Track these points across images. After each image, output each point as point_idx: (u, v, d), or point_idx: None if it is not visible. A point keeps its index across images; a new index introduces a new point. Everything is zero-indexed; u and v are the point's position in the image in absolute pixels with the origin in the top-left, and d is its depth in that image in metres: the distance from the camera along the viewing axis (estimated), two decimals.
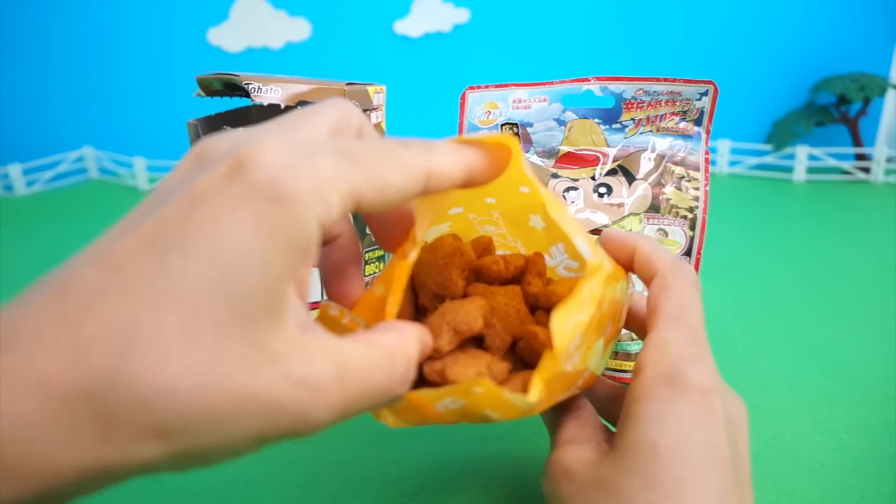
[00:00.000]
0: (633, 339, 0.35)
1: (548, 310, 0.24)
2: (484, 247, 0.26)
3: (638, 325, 0.26)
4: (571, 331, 0.19)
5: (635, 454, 0.20)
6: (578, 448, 0.22)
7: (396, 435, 0.34)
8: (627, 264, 0.25)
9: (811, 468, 0.31)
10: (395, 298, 0.20)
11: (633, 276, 0.30)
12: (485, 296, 0.23)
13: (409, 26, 0.90)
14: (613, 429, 0.24)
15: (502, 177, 0.23)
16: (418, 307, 0.25)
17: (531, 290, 0.24)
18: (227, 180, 0.14)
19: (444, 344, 0.21)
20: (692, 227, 0.37)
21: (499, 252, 0.27)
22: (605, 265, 0.21)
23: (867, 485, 0.30)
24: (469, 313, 0.22)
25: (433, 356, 0.22)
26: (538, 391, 0.19)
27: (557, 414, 0.25)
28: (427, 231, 0.23)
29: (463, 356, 0.22)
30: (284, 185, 0.14)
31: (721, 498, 0.19)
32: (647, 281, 0.24)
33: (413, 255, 0.21)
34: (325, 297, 0.23)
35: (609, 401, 0.26)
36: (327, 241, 0.21)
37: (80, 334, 0.13)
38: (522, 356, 0.23)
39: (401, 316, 0.24)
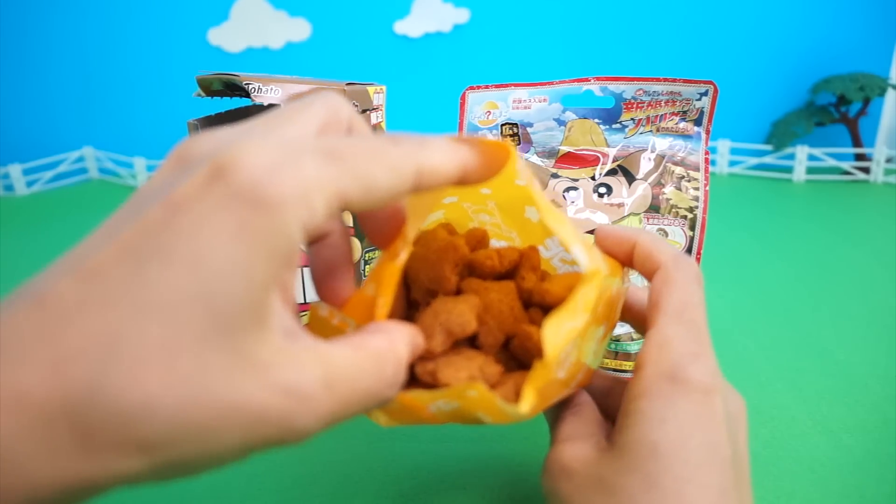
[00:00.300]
0: (633, 339, 0.35)
1: (542, 306, 0.24)
2: (478, 239, 0.26)
3: (636, 318, 0.26)
4: (564, 339, 0.19)
5: (636, 453, 0.20)
6: (577, 445, 0.22)
7: (396, 435, 0.34)
8: (626, 260, 0.25)
9: (811, 468, 0.31)
10: (386, 300, 0.20)
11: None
12: (478, 292, 0.23)
13: (409, 26, 0.90)
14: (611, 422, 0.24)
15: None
16: (410, 301, 0.25)
17: (525, 285, 0.24)
18: (207, 186, 0.14)
19: (436, 346, 0.21)
20: (692, 227, 0.37)
21: (493, 243, 0.27)
22: (602, 270, 0.21)
23: (867, 485, 0.30)
24: (463, 314, 0.22)
25: (425, 356, 0.21)
26: (529, 401, 0.19)
27: (557, 409, 0.25)
28: (420, 227, 0.23)
29: (456, 357, 0.22)
30: (266, 191, 0.14)
31: (721, 497, 0.19)
32: (649, 275, 0.24)
33: (403, 255, 0.21)
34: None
35: (605, 395, 0.26)
36: (317, 240, 0.21)
37: (59, 348, 0.12)
38: (515, 354, 0.23)
39: (392, 310, 0.24)
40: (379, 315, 0.20)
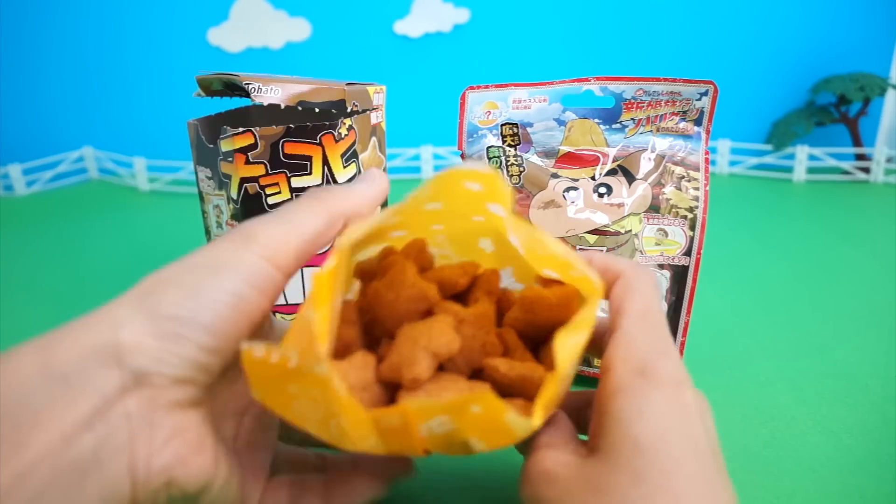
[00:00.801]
0: None
1: (517, 328, 0.24)
2: (419, 249, 0.25)
3: (592, 342, 0.26)
4: (571, 353, 0.19)
5: (619, 451, 0.20)
6: (558, 451, 0.22)
7: None
8: None
9: (811, 468, 0.31)
10: (322, 314, 0.18)
11: None
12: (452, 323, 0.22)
13: (409, 26, 0.90)
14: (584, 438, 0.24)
15: (454, 208, 0.23)
16: (372, 335, 0.24)
17: (478, 308, 0.24)
18: None
19: (423, 371, 0.20)
20: (692, 227, 0.37)
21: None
22: (601, 289, 0.21)
23: (867, 485, 0.30)
24: (445, 333, 0.21)
25: (409, 387, 0.20)
26: (540, 416, 0.18)
27: None
28: (360, 249, 0.23)
29: (443, 382, 0.21)
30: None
31: (709, 487, 0.19)
32: (608, 287, 0.25)
33: (331, 263, 0.19)
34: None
35: (581, 410, 0.26)
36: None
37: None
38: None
39: (346, 342, 0.23)
40: (319, 333, 0.18)
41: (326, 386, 0.18)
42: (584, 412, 0.26)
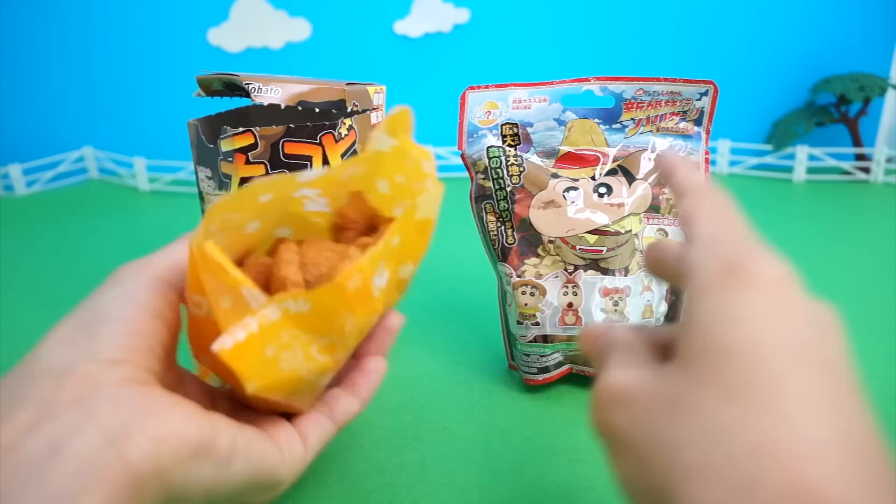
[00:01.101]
0: None
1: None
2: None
3: (667, 270, 0.22)
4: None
5: (706, 363, 0.16)
6: (632, 369, 0.19)
7: (405, 441, 0.34)
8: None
9: None
10: (217, 251, 0.21)
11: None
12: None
13: (409, 26, 0.90)
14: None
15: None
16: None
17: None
18: None
19: (290, 273, 0.22)
20: None
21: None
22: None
23: None
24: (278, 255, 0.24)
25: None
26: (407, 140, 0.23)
27: (603, 346, 0.21)
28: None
29: (338, 244, 0.25)
30: None
31: (830, 406, 0.15)
32: (679, 198, 0.21)
33: (195, 234, 0.21)
34: None
35: (665, 347, 0.20)
36: None
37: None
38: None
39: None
40: (227, 265, 0.20)
41: (282, 315, 0.20)
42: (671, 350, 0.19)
